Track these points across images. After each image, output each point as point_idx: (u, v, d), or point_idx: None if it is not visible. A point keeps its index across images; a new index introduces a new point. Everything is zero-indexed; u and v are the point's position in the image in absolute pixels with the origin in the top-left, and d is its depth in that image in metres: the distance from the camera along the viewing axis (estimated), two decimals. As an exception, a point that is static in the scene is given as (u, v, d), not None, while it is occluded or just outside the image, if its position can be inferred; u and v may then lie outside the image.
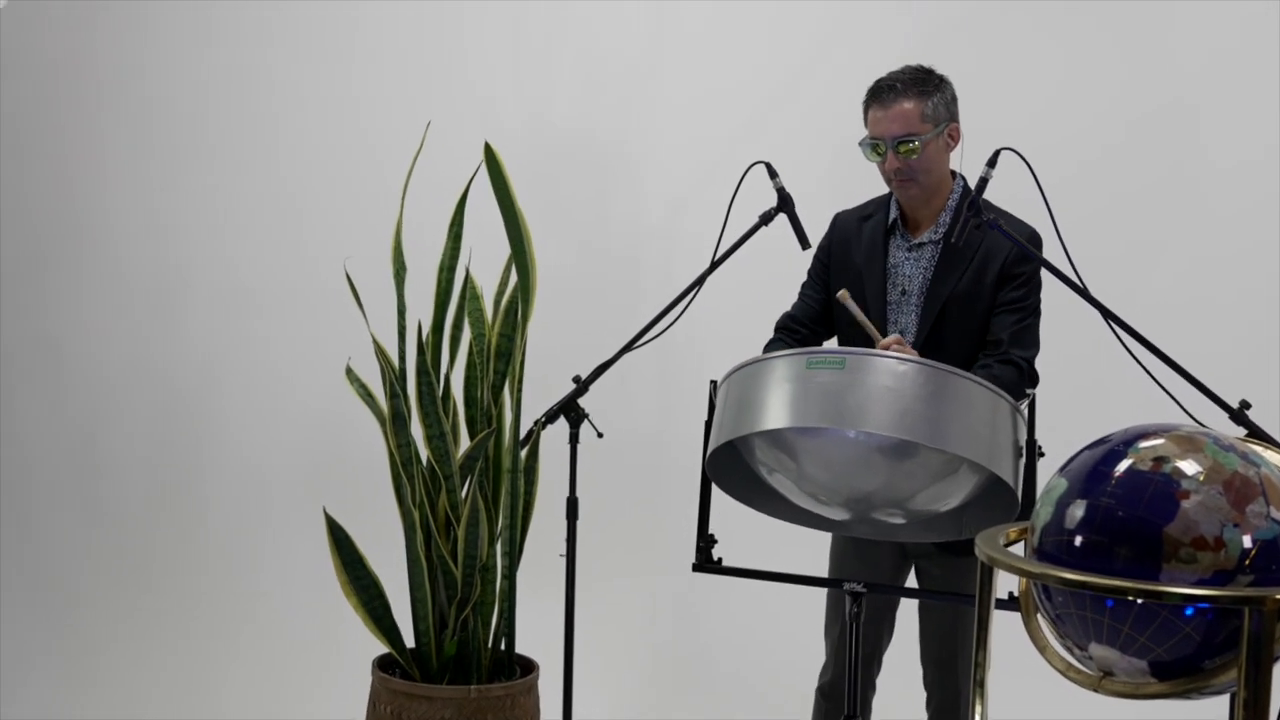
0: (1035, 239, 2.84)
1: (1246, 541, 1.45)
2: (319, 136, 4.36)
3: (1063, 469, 1.63)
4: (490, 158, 2.85)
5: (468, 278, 3.12)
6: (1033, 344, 2.87)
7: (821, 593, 3.09)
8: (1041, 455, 2.53)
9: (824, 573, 3.08)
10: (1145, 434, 1.57)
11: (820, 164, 3.93)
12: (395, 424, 2.95)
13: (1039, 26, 4.15)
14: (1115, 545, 1.48)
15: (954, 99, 2.87)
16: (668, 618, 4.30)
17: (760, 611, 3.80)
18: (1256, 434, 2.54)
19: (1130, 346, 2.63)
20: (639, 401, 4.29)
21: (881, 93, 2.81)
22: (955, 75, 2.92)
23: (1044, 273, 2.75)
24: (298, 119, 4.39)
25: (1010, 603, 2.32)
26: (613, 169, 4.45)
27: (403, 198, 3.11)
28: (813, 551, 3.11)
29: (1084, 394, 3.94)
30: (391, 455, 2.99)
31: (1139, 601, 1.45)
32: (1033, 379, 2.84)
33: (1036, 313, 2.88)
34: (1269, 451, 1.62)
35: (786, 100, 4.32)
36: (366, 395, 3.12)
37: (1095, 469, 1.55)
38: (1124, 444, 1.56)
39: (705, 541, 2.67)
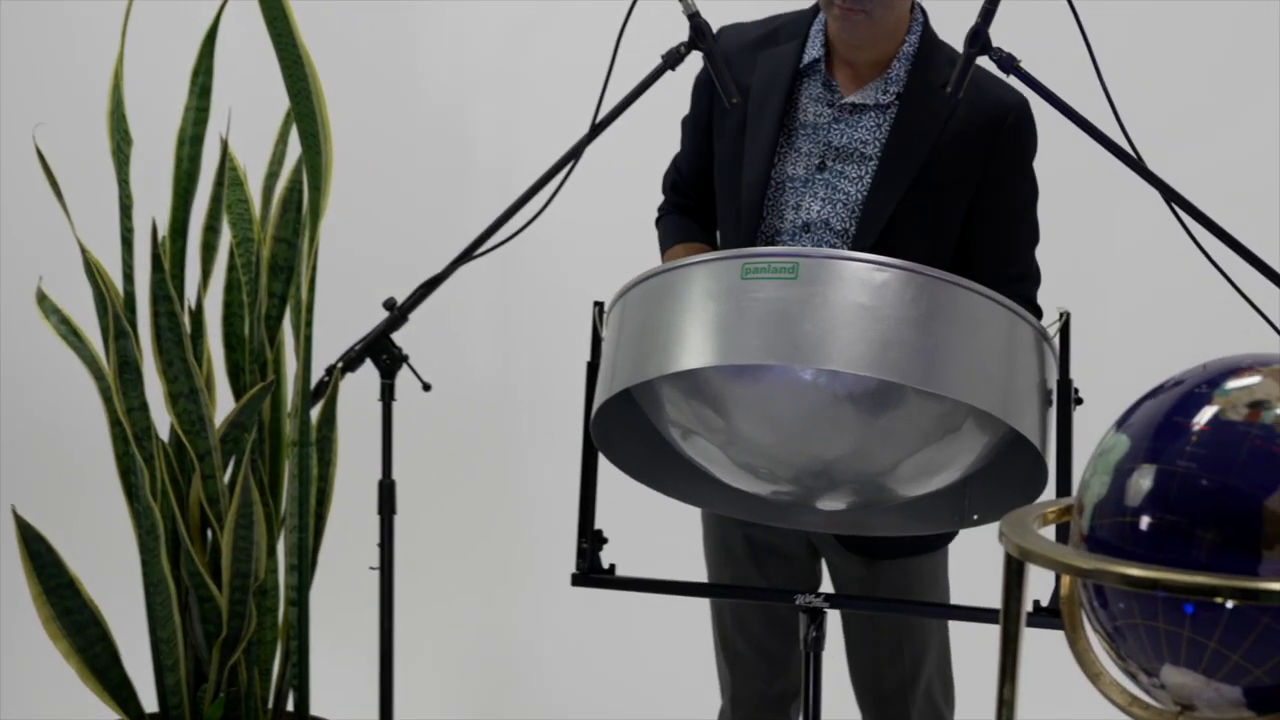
0: (1026, 109, 2.91)
1: (1379, 514, 1.55)
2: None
3: (1121, 422, 1.72)
4: (258, -30, 2.85)
5: (225, 152, 3.11)
6: (1035, 273, 3.00)
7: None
8: (1079, 403, 2.62)
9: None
10: (1235, 369, 1.66)
11: None
12: (123, 378, 2.95)
13: None
14: (1198, 527, 1.57)
15: None
16: (529, 654, 4.37)
17: (664, 638, 3.88)
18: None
19: (1200, 240, 2.74)
20: (482, 337, 4.33)
21: None
22: None
23: (1075, 137, 2.83)
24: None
25: (1045, 615, 2.44)
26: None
27: (122, 34, 3.08)
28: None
29: (1136, 314, 4.07)
30: (116, 426, 2.99)
31: (1230, 605, 1.55)
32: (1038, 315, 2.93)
33: (1035, 205, 2.99)
34: (1406, 388, 1.72)
35: None
36: (72, 335, 3.10)
37: (1168, 421, 1.63)
38: (1206, 384, 1.65)
39: (590, 541, 2.70)
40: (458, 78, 4.49)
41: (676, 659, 3.89)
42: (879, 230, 2.86)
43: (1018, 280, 2.93)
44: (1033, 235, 3.00)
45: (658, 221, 3.15)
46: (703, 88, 3.05)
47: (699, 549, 3.21)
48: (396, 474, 2.99)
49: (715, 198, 3.06)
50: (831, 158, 2.92)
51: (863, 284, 2.44)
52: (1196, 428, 1.62)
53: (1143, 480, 1.63)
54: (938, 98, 2.84)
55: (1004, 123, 2.88)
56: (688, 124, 3.10)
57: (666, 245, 3.07)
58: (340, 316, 3.17)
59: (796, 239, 2.91)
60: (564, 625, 4.27)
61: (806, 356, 2.43)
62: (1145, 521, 1.61)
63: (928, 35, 2.95)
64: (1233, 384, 1.65)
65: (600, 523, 2.69)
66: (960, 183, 2.89)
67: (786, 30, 3.00)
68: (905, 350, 2.43)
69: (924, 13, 2.97)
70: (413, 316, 2.95)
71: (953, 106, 2.86)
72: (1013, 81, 2.78)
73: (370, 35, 4.44)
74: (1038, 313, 2.95)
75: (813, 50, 2.95)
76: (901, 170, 2.88)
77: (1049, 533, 1.88)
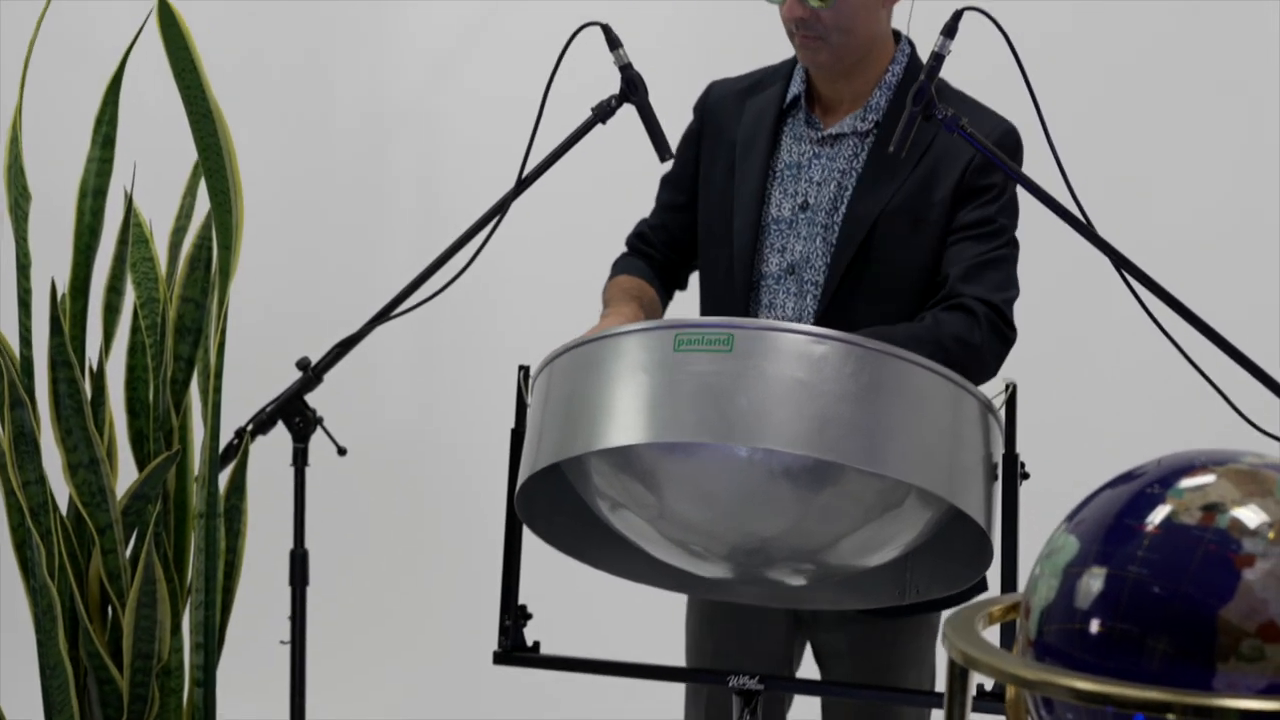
0: (1010, 138, 2.92)
1: (1337, 627, 1.55)
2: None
3: (1071, 520, 1.72)
4: (166, 14, 2.82)
5: (129, 208, 3.08)
6: (1006, 282, 2.93)
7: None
8: (1025, 477, 2.64)
9: (679, 656, 3.15)
10: (1189, 467, 1.66)
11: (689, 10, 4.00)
12: (18, 450, 2.92)
13: None
14: (1150, 636, 1.57)
15: None
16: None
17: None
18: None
19: (1150, 307, 2.75)
20: (400, 399, 4.33)
21: None
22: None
23: (1027, 201, 2.85)
24: None
25: (990, 700, 2.44)
26: (349, 22, 4.44)
27: (21, 84, 3.06)
28: (669, 622, 3.17)
29: (1083, 382, 4.11)
30: (10, 500, 2.95)
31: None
32: (1004, 337, 2.89)
33: (1012, 242, 2.96)
34: (1364, 486, 1.73)
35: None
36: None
37: (1119, 523, 1.63)
38: (1159, 483, 1.65)
39: (513, 617, 2.71)
40: (375, 124, 4.49)
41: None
42: (850, 259, 2.89)
43: (974, 282, 2.89)
44: (998, 246, 2.94)
45: (618, 259, 3.17)
46: (689, 141, 3.09)
47: (631, 622, 3.21)
48: (310, 543, 2.98)
49: (688, 251, 3.11)
50: (813, 195, 2.95)
51: (800, 357, 2.46)
52: (1148, 531, 1.61)
53: (1092, 585, 1.62)
54: (920, 126, 2.80)
55: (973, 160, 2.89)
56: (668, 180, 3.14)
57: (612, 276, 3.10)
58: (251, 376, 3.15)
59: (782, 283, 2.94)
60: (486, 704, 4.25)
61: (741, 434, 2.44)
62: (1095, 629, 1.61)
63: (914, 66, 2.99)
64: (1186, 483, 1.65)
65: (525, 594, 2.69)
66: (936, 210, 2.91)
67: (771, 76, 3.06)
68: (844, 428, 2.45)
69: (911, 44, 3.01)
70: (328, 377, 2.94)
71: (932, 134, 2.88)
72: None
73: (283, 76, 4.43)
74: (1003, 326, 2.90)
75: (794, 88, 3.00)
76: (875, 198, 2.91)
77: (995, 632, 1.88)
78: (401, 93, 4.54)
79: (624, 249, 3.17)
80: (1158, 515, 1.62)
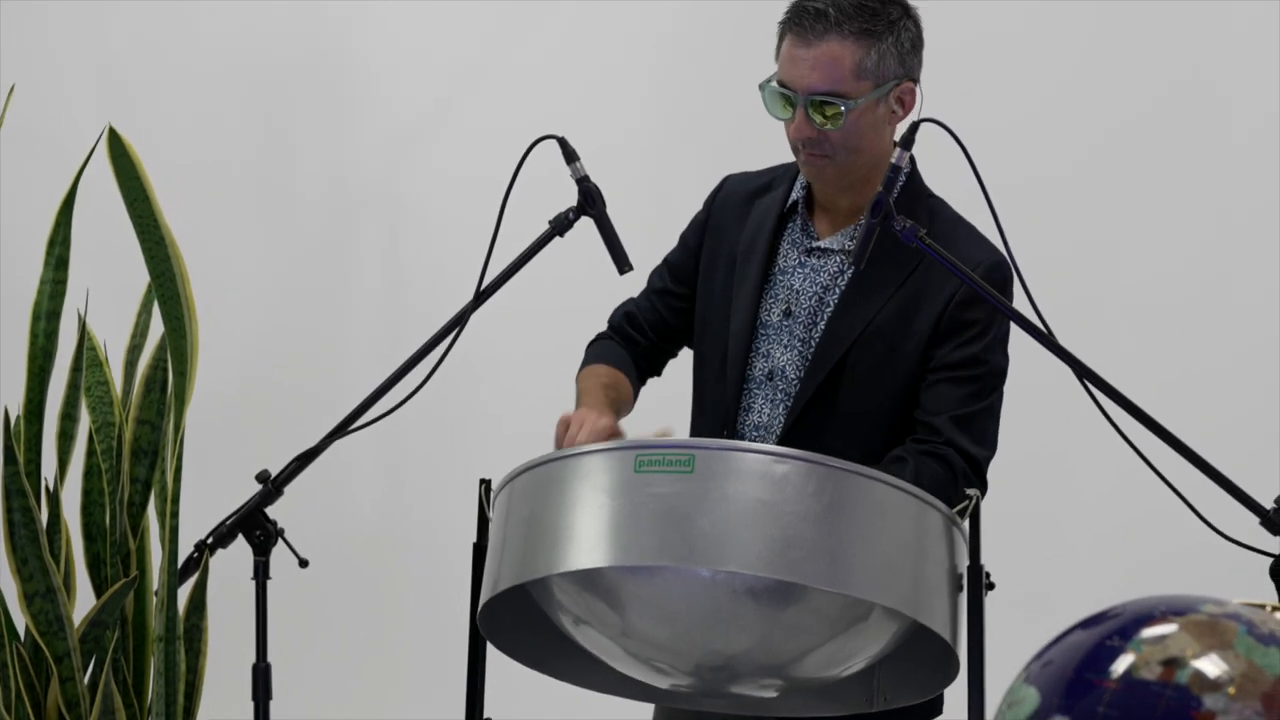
0: (999, 271, 2.90)
1: (1298, 783, 1.56)
2: None
3: (1031, 670, 1.72)
4: (115, 145, 2.83)
5: (83, 332, 3.08)
6: (989, 438, 2.95)
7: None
8: (991, 587, 2.64)
9: None
10: (1149, 617, 1.67)
11: (660, 109, 4.01)
12: (-27, 584, 2.92)
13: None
14: (1112, 795, 1.58)
15: (915, 44, 2.92)
16: None
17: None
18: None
19: (1113, 416, 2.76)
20: (362, 510, 4.34)
21: (805, 18, 2.84)
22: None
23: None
24: None
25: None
26: (308, 119, 4.46)
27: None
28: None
29: (1048, 486, 4.13)
30: (-34, 634, 2.96)
31: None
32: (977, 488, 2.89)
33: (997, 388, 2.96)
34: (1325, 629, 1.74)
35: None
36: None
37: (1079, 676, 1.63)
38: (1119, 634, 1.66)
39: None
40: (340, 205, 4.50)
41: None
42: (821, 379, 2.90)
43: (962, 433, 2.89)
44: (987, 393, 2.94)
45: (593, 340, 3.17)
46: (696, 230, 3.10)
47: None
48: (272, 655, 2.95)
49: (676, 341, 3.12)
50: (795, 303, 2.95)
51: (762, 477, 2.48)
52: (1109, 686, 1.62)
53: (1054, 740, 1.63)
54: (906, 248, 2.79)
55: (958, 290, 2.88)
56: (669, 266, 3.12)
57: (590, 362, 3.10)
58: (209, 487, 3.14)
59: (762, 388, 2.95)
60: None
61: (703, 557, 2.45)
62: (1057, 787, 1.62)
63: (911, 184, 2.97)
64: (1147, 634, 1.65)
65: (491, 706, 2.70)
66: (915, 335, 2.91)
67: (780, 178, 3.06)
68: (807, 548, 2.46)
69: (913, 161, 2.96)
70: (288, 489, 2.93)
71: (917, 259, 2.88)
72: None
73: (246, 157, 4.45)
74: (981, 481, 2.92)
75: (795, 193, 3.01)
76: (853, 319, 2.91)
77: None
78: (367, 173, 4.54)
79: (605, 328, 3.16)
80: (1118, 668, 1.63)
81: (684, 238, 3.11)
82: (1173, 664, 1.61)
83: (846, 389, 2.91)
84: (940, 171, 2.91)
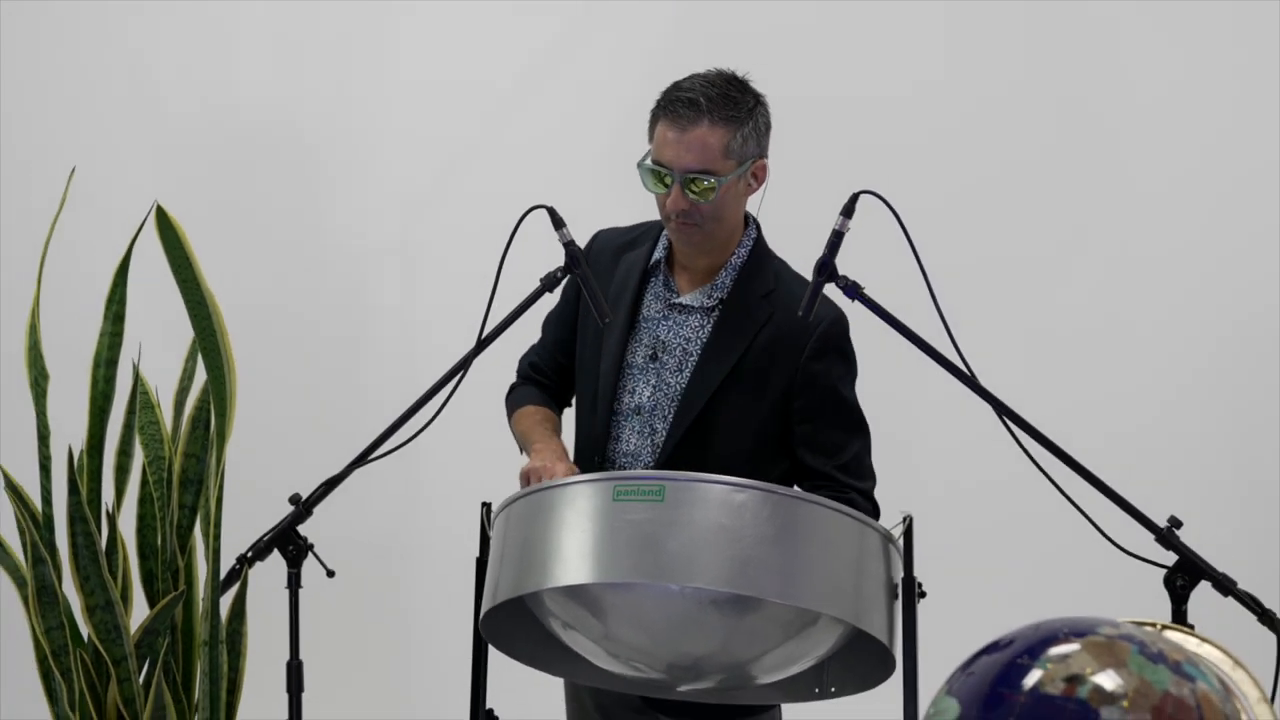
0: (838, 326, 2.94)
1: (1183, 786, 1.56)
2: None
3: (954, 681, 1.72)
4: (162, 222, 2.83)
5: (136, 379, 3.08)
6: (866, 473, 2.99)
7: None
8: (923, 596, 2.66)
9: None
10: (1053, 638, 1.67)
11: (592, 156, 4.01)
12: (41, 600, 2.90)
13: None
14: (1021, 797, 1.58)
15: (767, 128, 2.96)
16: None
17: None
18: (1187, 564, 2.70)
19: (1029, 448, 2.77)
20: (383, 527, 4.34)
21: (678, 107, 2.86)
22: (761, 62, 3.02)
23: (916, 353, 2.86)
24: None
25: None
26: (330, 191, 4.47)
27: (38, 277, 3.06)
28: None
29: (973, 507, 4.13)
30: (38, 643, 2.93)
31: None
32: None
33: (862, 423, 2.99)
34: (1205, 646, 1.74)
35: (546, 79, 4.42)
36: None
37: (993, 691, 1.63)
38: (1028, 653, 1.65)
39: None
40: (357, 261, 4.50)
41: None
42: (691, 420, 2.92)
43: (852, 477, 2.93)
44: (855, 432, 2.98)
45: (511, 389, 3.19)
46: (573, 289, 3.10)
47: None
48: (304, 654, 2.94)
49: (570, 380, 3.13)
50: (660, 350, 2.97)
51: (723, 505, 2.49)
52: (1019, 700, 1.61)
53: (971, 749, 1.63)
54: (757, 305, 2.91)
55: (814, 331, 2.91)
56: (552, 320, 3.15)
57: (519, 405, 3.12)
58: (249, 507, 3.12)
59: (629, 420, 2.97)
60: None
61: (672, 575, 2.47)
62: (974, 788, 1.61)
63: (758, 248, 3.01)
64: (1052, 653, 1.65)
65: (493, 698, 2.71)
66: (772, 384, 2.93)
67: (645, 235, 3.07)
68: (762, 567, 2.48)
69: (757, 226, 3.03)
70: (317, 510, 2.92)
71: (767, 315, 2.92)
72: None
73: (269, 219, 4.46)
74: (875, 509, 2.96)
75: (658, 252, 3.02)
76: (716, 369, 2.93)
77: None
78: (384, 232, 4.54)
79: (516, 378, 3.19)
80: (1027, 683, 1.62)
81: (564, 291, 3.11)
82: (1074, 680, 1.61)
83: (713, 425, 2.93)
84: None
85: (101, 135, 4.39)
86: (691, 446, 2.91)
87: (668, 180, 2.86)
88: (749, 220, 3.01)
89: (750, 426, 2.93)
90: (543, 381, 3.15)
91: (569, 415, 3.15)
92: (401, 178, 4.49)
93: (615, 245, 3.08)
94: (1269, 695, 1.74)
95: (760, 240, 3.00)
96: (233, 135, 4.43)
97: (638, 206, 3.07)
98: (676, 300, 2.97)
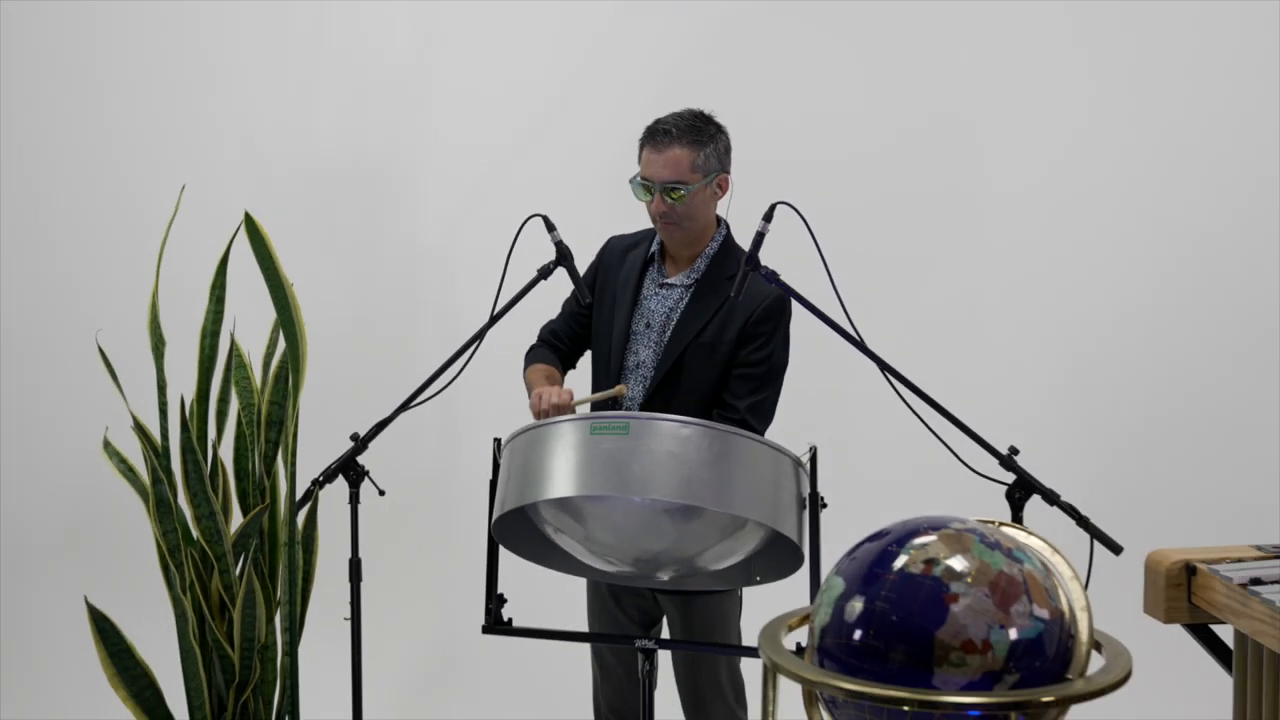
0: (779, 302, 2.92)
1: (1012, 640, 1.52)
2: (71, 199, 4.31)
3: (841, 564, 1.69)
4: (250, 226, 2.78)
5: (233, 344, 3.03)
6: (769, 415, 2.97)
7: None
8: (824, 507, 2.64)
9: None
10: (918, 530, 1.64)
11: (599, 173, 3.96)
12: (159, 511, 2.85)
13: (819, 36, 4.27)
14: (890, 650, 1.54)
15: (727, 150, 2.98)
16: (460, 679, 4.27)
17: (557, 670, 3.82)
18: (1024, 481, 2.69)
19: (906, 398, 2.73)
20: (422, 457, 4.29)
21: (656, 135, 2.91)
22: (727, 99, 3.00)
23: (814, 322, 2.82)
24: (47, 183, 4.32)
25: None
26: (385, 203, 4.41)
27: (158, 267, 3.01)
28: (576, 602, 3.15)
29: (867, 440, 4.10)
30: (158, 543, 2.89)
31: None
32: None
33: (776, 379, 2.96)
34: (1032, 538, 1.70)
35: (563, 110, 4.37)
36: (128, 470, 3.00)
37: (870, 571, 1.60)
38: (897, 543, 1.62)
39: (494, 603, 2.70)
40: (410, 266, 4.44)
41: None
42: (669, 366, 2.91)
43: (753, 417, 2.90)
44: (770, 382, 2.94)
45: (530, 349, 3.16)
46: (591, 274, 3.09)
47: (576, 601, 3.16)
48: (362, 552, 2.92)
49: (584, 345, 3.10)
50: (651, 320, 2.97)
51: (673, 436, 2.48)
52: (889, 578, 1.59)
53: (853, 612, 1.60)
54: (724, 285, 2.89)
55: (762, 303, 2.91)
56: (573, 298, 3.12)
57: (531, 363, 3.10)
58: (320, 453, 3.07)
59: (632, 374, 2.95)
60: (483, 657, 4.19)
61: (635, 489, 2.47)
62: (854, 643, 1.58)
63: (727, 242, 3.02)
64: (914, 543, 1.62)
65: (503, 585, 2.67)
66: (725, 342, 2.91)
67: (645, 237, 3.07)
68: (703, 483, 2.48)
69: (727, 226, 3.04)
70: (371, 444, 2.89)
71: (724, 297, 2.89)
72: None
73: (343, 229, 4.40)
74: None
75: (654, 248, 3.03)
76: (690, 327, 2.93)
77: (801, 634, 1.81)
78: (430, 237, 4.47)
79: (536, 341, 3.17)
80: (895, 565, 1.60)
81: (585, 278, 3.08)
82: (931, 563, 1.58)
83: (683, 376, 2.93)
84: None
85: (212, 151, 4.36)
86: (667, 391, 2.92)
87: (650, 190, 2.90)
88: (720, 221, 3.03)
89: (712, 376, 2.92)
90: (557, 346, 3.13)
91: (586, 372, 3.12)
92: (444, 193, 4.42)
93: (623, 247, 3.09)
94: (1083, 578, 1.70)
95: (729, 236, 3.03)
96: (316, 156, 4.36)
97: (640, 216, 3.06)
98: (665, 281, 2.99)
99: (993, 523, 1.72)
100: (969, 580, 1.54)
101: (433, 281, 4.41)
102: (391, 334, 4.38)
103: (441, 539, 4.29)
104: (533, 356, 3.12)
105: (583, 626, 3.15)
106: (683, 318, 2.94)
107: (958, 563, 1.57)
